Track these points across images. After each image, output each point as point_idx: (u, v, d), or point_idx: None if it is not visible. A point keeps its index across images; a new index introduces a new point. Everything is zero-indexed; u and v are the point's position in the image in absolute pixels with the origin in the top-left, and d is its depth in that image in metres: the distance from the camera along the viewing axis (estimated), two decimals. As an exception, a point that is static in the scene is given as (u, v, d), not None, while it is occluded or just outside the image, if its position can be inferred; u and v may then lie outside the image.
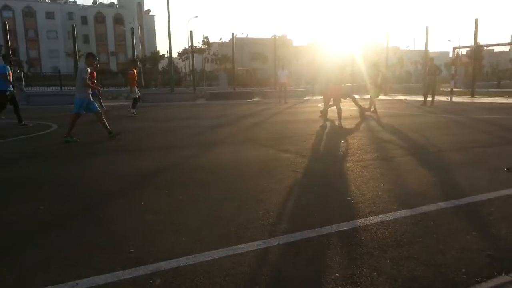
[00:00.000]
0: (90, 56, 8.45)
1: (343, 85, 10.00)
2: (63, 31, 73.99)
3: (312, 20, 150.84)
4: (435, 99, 16.29)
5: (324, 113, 9.74)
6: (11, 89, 10.35)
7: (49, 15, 74.90)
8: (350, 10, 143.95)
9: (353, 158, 5.93)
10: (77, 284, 2.38)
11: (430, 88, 16.24)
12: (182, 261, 2.64)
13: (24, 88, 11.06)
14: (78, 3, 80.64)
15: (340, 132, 8.58)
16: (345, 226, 3.24)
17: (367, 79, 14.31)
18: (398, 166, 5.47)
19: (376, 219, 3.38)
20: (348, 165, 5.46)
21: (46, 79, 33.10)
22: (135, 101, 13.81)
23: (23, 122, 10.44)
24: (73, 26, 22.98)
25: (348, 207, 3.71)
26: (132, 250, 2.82)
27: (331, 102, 9.76)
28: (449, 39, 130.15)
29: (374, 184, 4.48)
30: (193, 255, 2.73)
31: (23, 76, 22.02)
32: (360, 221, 3.34)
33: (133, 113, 13.44)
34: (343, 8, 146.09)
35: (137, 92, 13.90)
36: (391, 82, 25.63)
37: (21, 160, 6.29)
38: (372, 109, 13.18)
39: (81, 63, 10.78)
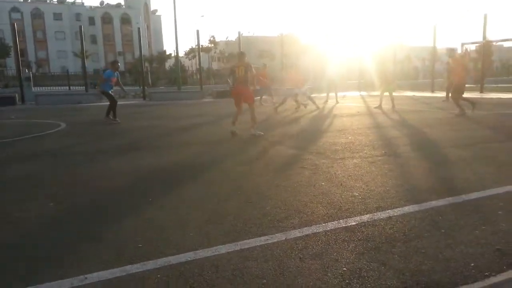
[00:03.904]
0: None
1: (252, 87, 8.16)
2: (71, 32, 74.60)
3: (319, 18, 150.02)
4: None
5: (234, 118, 8.24)
6: (112, 90, 11.46)
7: (57, 16, 75.57)
8: (359, 7, 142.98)
9: (360, 154, 5.91)
10: (85, 278, 2.40)
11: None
12: (190, 256, 2.66)
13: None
14: (85, 4, 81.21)
15: (346, 129, 8.54)
16: (352, 221, 3.24)
17: (378, 76, 14.57)
18: (407, 162, 5.44)
19: (384, 214, 3.37)
20: (355, 161, 5.44)
21: (54, 79, 33.52)
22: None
23: (117, 119, 11.24)
24: (80, 27, 22.98)
25: (355, 202, 3.70)
26: (140, 245, 2.85)
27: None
28: (456, 34, 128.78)
29: (382, 179, 4.46)
30: (201, 250, 2.74)
31: (31, 76, 22.20)
32: (367, 216, 3.33)
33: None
34: (351, 5, 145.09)
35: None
36: (399, 78, 25.51)
37: (27, 159, 6.36)
38: (378, 105, 13.42)
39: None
